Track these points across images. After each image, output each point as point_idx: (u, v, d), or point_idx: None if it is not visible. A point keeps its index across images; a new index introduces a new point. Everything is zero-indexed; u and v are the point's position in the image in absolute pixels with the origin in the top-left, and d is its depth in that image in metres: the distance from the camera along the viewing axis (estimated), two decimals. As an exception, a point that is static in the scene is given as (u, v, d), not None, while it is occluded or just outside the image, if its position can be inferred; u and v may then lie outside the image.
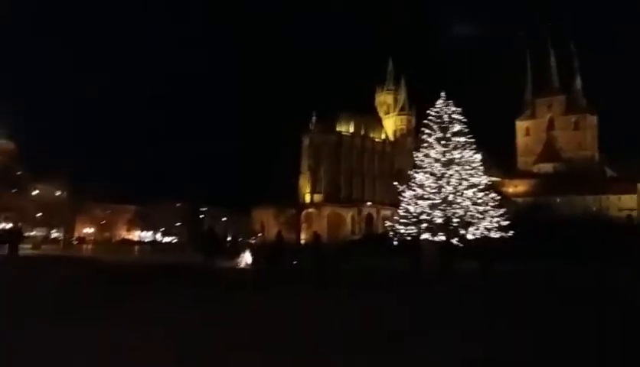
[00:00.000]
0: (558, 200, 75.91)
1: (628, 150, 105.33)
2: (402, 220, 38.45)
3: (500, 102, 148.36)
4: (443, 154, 37.69)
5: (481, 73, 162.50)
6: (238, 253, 22.78)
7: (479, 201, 37.10)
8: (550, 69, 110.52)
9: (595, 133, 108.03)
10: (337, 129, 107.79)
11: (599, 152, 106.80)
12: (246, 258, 25.26)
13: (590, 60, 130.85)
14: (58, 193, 79.06)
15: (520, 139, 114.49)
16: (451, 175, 37.03)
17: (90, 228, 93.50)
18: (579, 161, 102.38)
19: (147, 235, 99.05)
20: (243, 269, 21.33)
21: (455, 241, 37.22)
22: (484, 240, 35.56)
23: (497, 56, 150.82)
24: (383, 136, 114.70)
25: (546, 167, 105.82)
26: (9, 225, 50.92)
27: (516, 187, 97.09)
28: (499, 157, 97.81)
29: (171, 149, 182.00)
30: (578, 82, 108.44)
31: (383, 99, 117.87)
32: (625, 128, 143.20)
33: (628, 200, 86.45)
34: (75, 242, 69.38)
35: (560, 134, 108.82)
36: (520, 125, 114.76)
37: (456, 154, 37.48)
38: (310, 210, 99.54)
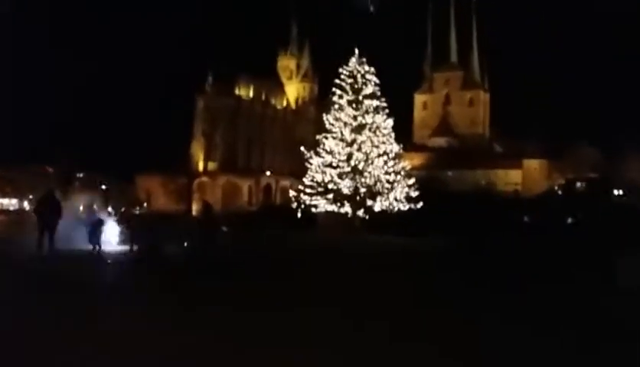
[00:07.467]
0: (450, 174, 78.22)
1: (516, 127, 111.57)
2: (307, 190, 35.04)
3: (400, 72, 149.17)
4: (354, 117, 34.52)
5: (386, 42, 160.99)
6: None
7: (390, 170, 34.73)
8: (450, 43, 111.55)
9: (487, 110, 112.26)
10: (236, 93, 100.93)
11: (489, 129, 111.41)
12: (110, 237, 18.44)
13: (490, 34, 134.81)
14: None
15: (418, 113, 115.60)
16: (362, 141, 33.99)
17: None
18: (470, 137, 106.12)
19: (11, 203, 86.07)
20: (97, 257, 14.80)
21: (360, 213, 34.81)
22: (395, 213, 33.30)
23: (404, 24, 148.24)
24: (285, 102, 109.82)
25: (440, 142, 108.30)
26: None
27: (412, 160, 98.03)
28: (396, 128, 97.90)
29: (39, 103, 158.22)
30: (475, 58, 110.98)
31: (286, 63, 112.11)
32: (515, 106, 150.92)
33: (514, 175, 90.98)
34: None
35: (455, 109, 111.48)
36: (419, 99, 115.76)
37: (368, 119, 34.50)
38: (203, 179, 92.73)
